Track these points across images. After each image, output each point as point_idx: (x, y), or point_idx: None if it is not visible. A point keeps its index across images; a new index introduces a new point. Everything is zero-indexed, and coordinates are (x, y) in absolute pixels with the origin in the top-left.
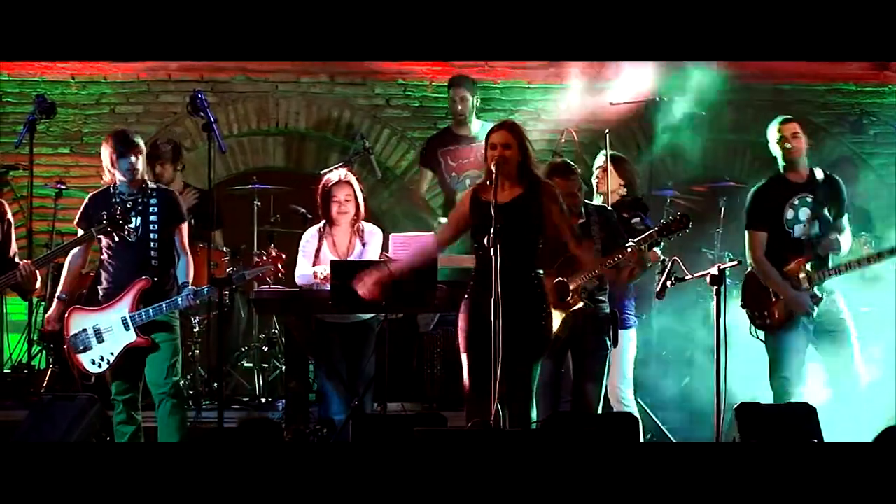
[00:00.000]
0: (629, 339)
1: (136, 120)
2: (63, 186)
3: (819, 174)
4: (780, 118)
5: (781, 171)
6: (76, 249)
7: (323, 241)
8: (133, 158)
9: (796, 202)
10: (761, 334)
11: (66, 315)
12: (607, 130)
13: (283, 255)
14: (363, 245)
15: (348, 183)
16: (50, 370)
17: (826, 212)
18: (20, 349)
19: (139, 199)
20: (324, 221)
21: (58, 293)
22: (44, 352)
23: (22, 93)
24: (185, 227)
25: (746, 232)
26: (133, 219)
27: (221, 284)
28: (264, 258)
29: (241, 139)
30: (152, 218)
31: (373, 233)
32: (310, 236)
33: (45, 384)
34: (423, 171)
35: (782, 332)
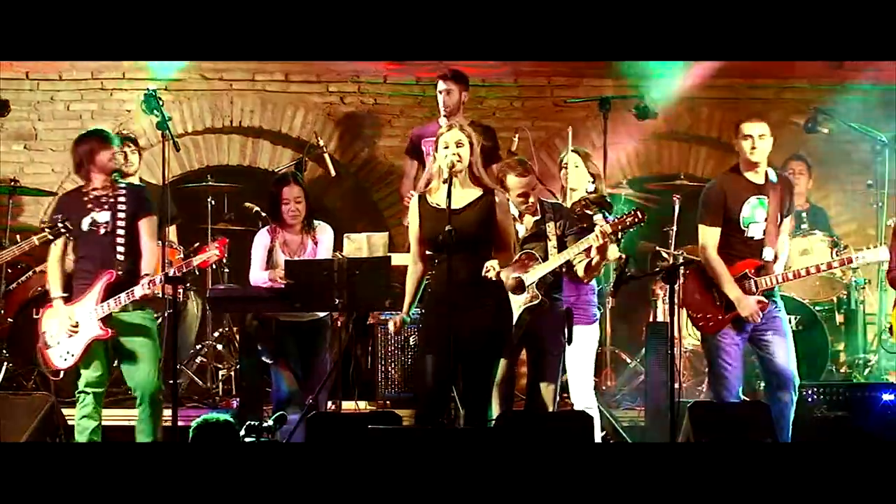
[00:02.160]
0: (593, 335)
1: (91, 117)
2: (17, 184)
3: (773, 175)
4: (747, 116)
5: (740, 167)
6: (58, 251)
7: (274, 243)
8: (114, 154)
9: (753, 201)
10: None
11: (42, 311)
12: (570, 127)
13: (226, 239)
14: (315, 244)
15: (297, 184)
16: (4, 367)
17: (780, 216)
18: None
19: (109, 195)
20: (275, 222)
21: (58, 294)
22: None
23: None
24: (151, 220)
25: (700, 227)
26: (102, 214)
27: (175, 282)
28: (209, 244)
29: (195, 137)
30: (120, 214)
31: (324, 230)
32: (261, 238)
33: None
34: (409, 162)
35: (724, 336)
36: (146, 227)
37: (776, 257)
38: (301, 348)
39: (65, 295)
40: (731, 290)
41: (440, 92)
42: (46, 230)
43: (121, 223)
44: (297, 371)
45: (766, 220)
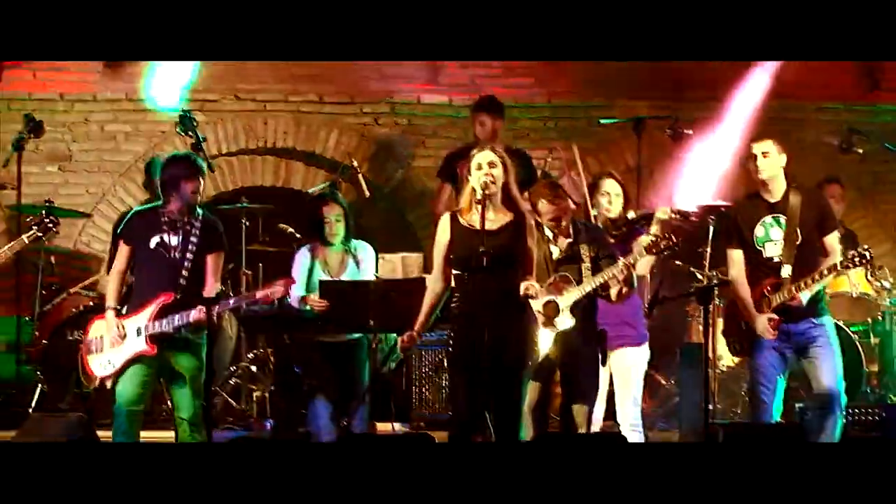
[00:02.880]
0: (641, 356)
1: (125, 138)
2: (51, 205)
3: (796, 193)
4: (755, 136)
5: (759, 189)
6: (121, 264)
7: (315, 262)
8: (200, 182)
9: (768, 221)
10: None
11: (89, 320)
12: (574, 144)
13: (293, 280)
14: (357, 264)
15: (337, 202)
16: (39, 388)
17: (802, 233)
18: (9, 368)
19: (185, 220)
20: (315, 241)
21: (113, 304)
22: (32, 371)
23: (10, 112)
24: (220, 256)
25: (726, 251)
26: (174, 237)
27: (211, 303)
28: (276, 280)
29: (229, 158)
30: (192, 239)
31: (365, 250)
32: (301, 257)
33: (33, 402)
34: (443, 185)
35: (754, 357)
36: (213, 262)
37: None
38: (338, 369)
39: (118, 307)
40: (747, 311)
41: (475, 123)
42: (34, 227)
43: (191, 250)
44: (334, 391)
45: (785, 239)
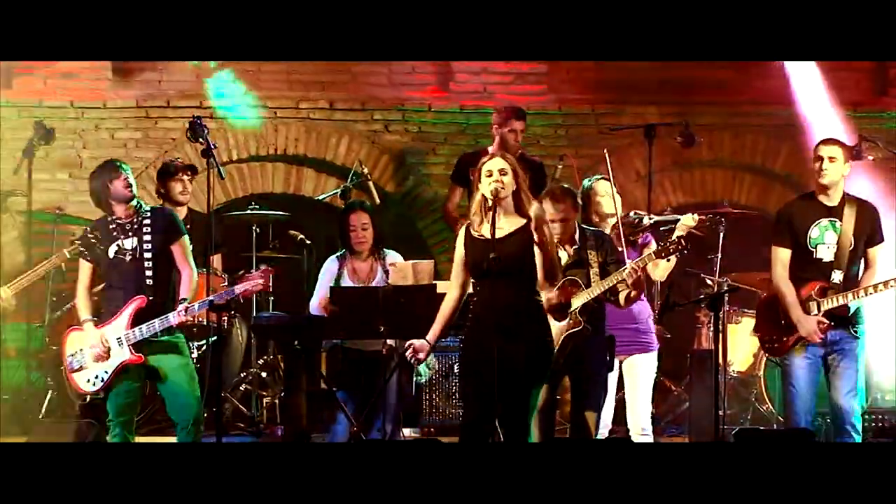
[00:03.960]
0: (650, 363)
1: (136, 146)
2: (62, 212)
3: (852, 203)
4: (824, 138)
5: (815, 190)
6: (85, 280)
7: (342, 270)
8: (126, 180)
9: (824, 223)
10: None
11: (63, 335)
12: (605, 150)
13: (272, 269)
14: (385, 272)
15: (365, 210)
16: (49, 395)
17: (854, 241)
18: (19, 374)
19: (133, 221)
20: (343, 250)
21: (87, 317)
22: (42, 378)
23: (21, 119)
24: (183, 243)
25: (772, 248)
26: (128, 241)
27: (218, 310)
28: (254, 273)
29: (240, 165)
30: (146, 237)
31: (394, 258)
32: (328, 265)
33: (43, 409)
34: (454, 188)
35: (792, 358)
36: (179, 250)
37: (854, 281)
38: (364, 377)
39: (94, 318)
40: (793, 311)
41: (513, 131)
42: (77, 241)
43: (147, 248)
44: (355, 399)
45: (837, 244)
